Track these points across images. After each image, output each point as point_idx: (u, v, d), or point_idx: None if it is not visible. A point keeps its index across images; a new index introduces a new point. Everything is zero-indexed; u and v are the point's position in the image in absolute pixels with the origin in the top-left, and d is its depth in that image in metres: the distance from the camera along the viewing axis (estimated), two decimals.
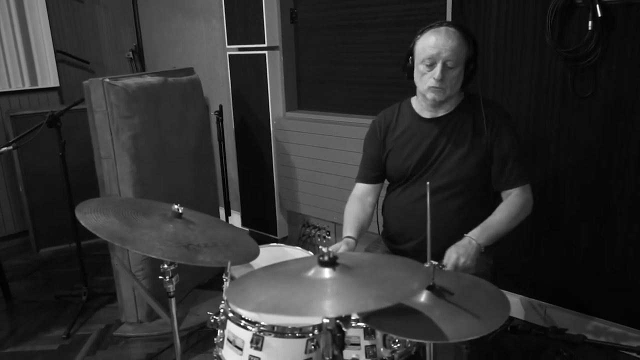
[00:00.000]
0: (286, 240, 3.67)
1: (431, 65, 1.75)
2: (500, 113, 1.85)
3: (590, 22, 2.15)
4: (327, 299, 1.02)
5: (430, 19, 2.71)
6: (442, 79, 1.73)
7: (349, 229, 1.89)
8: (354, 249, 1.83)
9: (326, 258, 1.11)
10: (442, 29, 1.75)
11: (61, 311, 2.98)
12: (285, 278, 1.15)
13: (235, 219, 3.89)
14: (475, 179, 1.84)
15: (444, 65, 1.73)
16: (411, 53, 1.82)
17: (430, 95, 1.80)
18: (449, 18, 2.57)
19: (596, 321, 2.41)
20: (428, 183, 1.30)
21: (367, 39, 3.08)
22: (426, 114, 1.89)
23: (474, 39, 1.79)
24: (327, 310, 0.99)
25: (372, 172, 2.02)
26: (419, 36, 1.79)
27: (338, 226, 3.34)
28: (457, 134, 1.84)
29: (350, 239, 1.85)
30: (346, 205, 2.00)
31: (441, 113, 1.87)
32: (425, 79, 1.78)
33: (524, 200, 1.83)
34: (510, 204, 1.82)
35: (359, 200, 2.00)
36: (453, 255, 1.67)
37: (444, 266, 1.64)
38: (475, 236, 1.72)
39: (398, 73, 2.99)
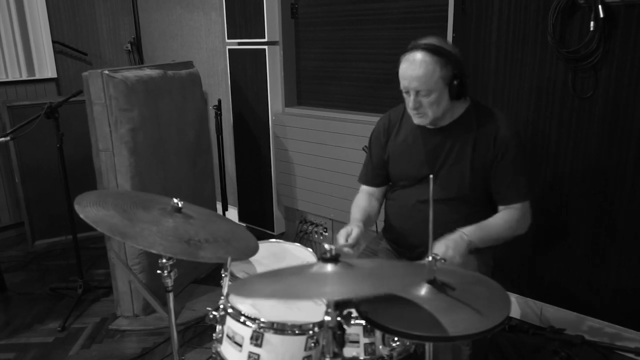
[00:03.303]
0: (283, 237, 3.67)
1: (407, 93, 1.76)
2: (504, 126, 1.80)
3: (592, 23, 2.14)
4: (326, 285, 1.02)
5: (433, 17, 2.73)
6: (417, 107, 1.74)
7: (357, 220, 1.90)
8: (364, 233, 1.82)
9: (328, 255, 1.11)
10: (412, 56, 1.71)
11: (56, 304, 2.96)
12: (288, 274, 1.14)
13: (232, 214, 3.88)
14: (473, 195, 1.82)
15: (417, 94, 1.72)
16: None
17: (415, 120, 1.81)
18: (450, 17, 2.56)
19: (591, 321, 2.42)
20: (431, 176, 1.30)
21: (368, 36, 3.07)
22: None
23: (451, 57, 1.71)
24: (324, 293, 1.00)
25: (375, 176, 2.02)
26: (401, 58, 1.77)
27: (335, 223, 3.33)
28: (458, 148, 1.81)
29: (360, 224, 1.85)
30: (354, 200, 2.03)
31: (441, 124, 1.84)
32: (407, 104, 1.79)
33: (522, 214, 1.81)
34: (509, 214, 1.80)
35: (367, 194, 2.03)
36: (442, 247, 1.65)
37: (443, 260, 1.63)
38: (468, 233, 1.70)
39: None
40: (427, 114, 1.76)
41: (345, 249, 1.71)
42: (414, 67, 1.69)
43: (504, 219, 1.80)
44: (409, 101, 1.75)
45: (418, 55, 1.70)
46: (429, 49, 1.69)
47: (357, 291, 1.02)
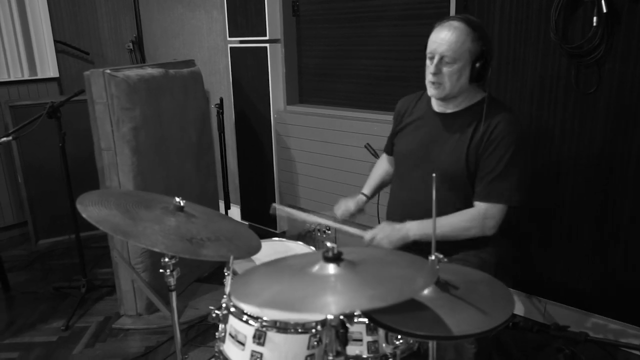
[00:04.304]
0: (285, 235, 3.67)
1: (432, 59, 1.75)
2: (505, 124, 1.75)
3: (595, 18, 2.14)
4: (324, 296, 1.02)
5: (434, 14, 2.72)
6: (437, 73, 1.73)
7: (367, 187, 2.13)
8: (363, 207, 2.04)
9: (330, 254, 1.11)
10: (447, 23, 1.73)
11: (60, 303, 2.97)
12: (290, 273, 1.14)
13: (235, 212, 3.88)
14: (466, 185, 1.80)
15: (441, 59, 1.71)
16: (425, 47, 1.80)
17: (429, 91, 1.80)
18: (452, 12, 2.55)
19: (596, 318, 2.41)
20: (434, 175, 1.29)
21: (370, 33, 3.06)
22: (437, 107, 1.89)
23: (483, 34, 1.73)
24: (321, 308, 0.99)
25: (390, 145, 2.13)
26: (433, 28, 1.78)
27: None
28: (460, 136, 1.80)
29: (362, 196, 2.07)
30: (376, 163, 2.23)
31: (450, 110, 1.85)
32: (427, 73, 1.78)
33: (483, 216, 1.74)
34: (465, 214, 1.76)
35: (387, 161, 2.19)
36: (376, 229, 1.78)
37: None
38: (410, 226, 1.77)
39: (401, 67, 2.99)
40: (444, 85, 1.75)
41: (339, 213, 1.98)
42: (447, 31, 1.71)
43: (456, 218, 1.76)
44: (431, 67, 1.74)
45: (454, 22, 1.73)
46: (466, 20, 1.73)
47: (361, 304, 1.01)
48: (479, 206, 1.77)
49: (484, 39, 1.73)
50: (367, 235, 1.79)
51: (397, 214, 1.93)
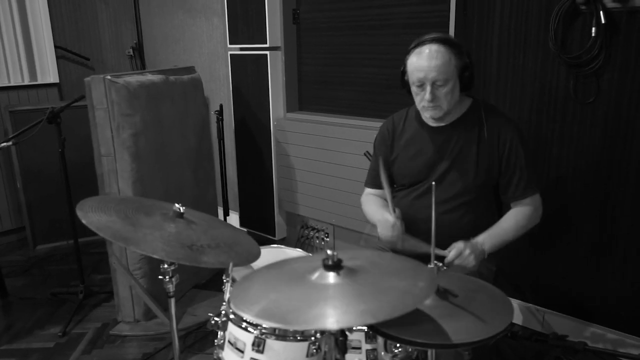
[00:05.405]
0: (284, 242, 3.67)
1: (421, 86, 1.75)
2: (505, 122, 1.83)
3: (593, 29, 2.15)
4: (323, 308, 1.01)
5: (436, 23, 2.73)
6: (433, 99, 1.74)
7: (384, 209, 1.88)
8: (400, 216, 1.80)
9: (330, 262, 1.11)
10: (426, 48, 1.73)
11: (57, 309, 2.96)
12: (289, 280, 1.14)
13: (234, 219, 3.88)
14: (480, 190, 1.84)
15: (433, 85, 1.73)
16: (405, 71, 1.82)
17: (427, 114, 1.82)
18: (452, 23, 2.56)
19: (594, 327, 2.41)
20: (433, 183, 1.30)
21: (370, 41, 3.07)
22: (431, 122, 1.89)
23: (463, 49, 1.77)
24: (316, 322, 0.99)
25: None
26: (407, 55, 1.79)
27: (337, 228, 3.33)
28: (463, 144, 1.83)
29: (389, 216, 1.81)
30: (364, 206, 2.05)
31: (446, 122, 1.86)
32: (419, 100, 1.79)
33: (532, 210, 1.84)
34: (519, 213, 1.83)
35: (374, 195, 2.04)
36: (461, 244, 1.68)
37: (447, 266, 1.65)
38: (482, 242, 1.74)
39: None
40: (442, 106, 1.76)
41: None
42: (431, 57, 1.71)
43: (514, 220, 1.82)
44: (425, 93, 1.74)
45: (433, 46, 1.72)
46: (442, 40, 1.73)
47: (357, 320, 1.01)
48: (524, 203, 1.83)
49: (464, 52, 1.77)
50: (452, 253, 1.69)
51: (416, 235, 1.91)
